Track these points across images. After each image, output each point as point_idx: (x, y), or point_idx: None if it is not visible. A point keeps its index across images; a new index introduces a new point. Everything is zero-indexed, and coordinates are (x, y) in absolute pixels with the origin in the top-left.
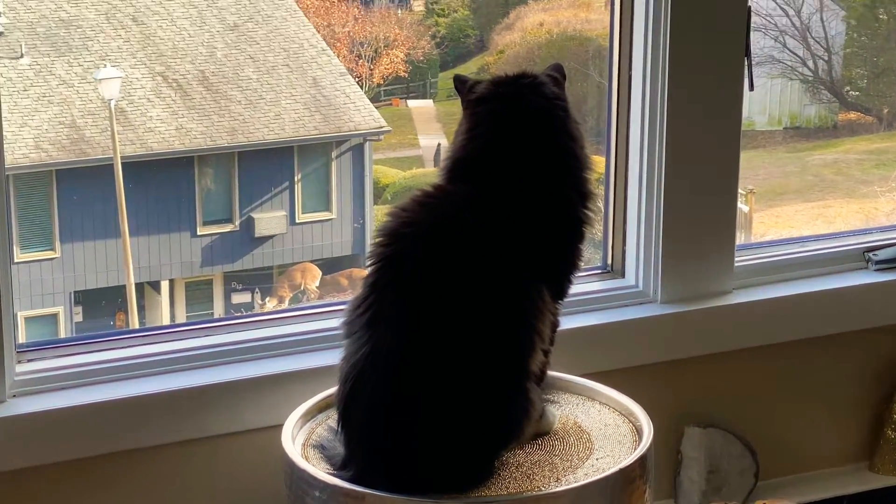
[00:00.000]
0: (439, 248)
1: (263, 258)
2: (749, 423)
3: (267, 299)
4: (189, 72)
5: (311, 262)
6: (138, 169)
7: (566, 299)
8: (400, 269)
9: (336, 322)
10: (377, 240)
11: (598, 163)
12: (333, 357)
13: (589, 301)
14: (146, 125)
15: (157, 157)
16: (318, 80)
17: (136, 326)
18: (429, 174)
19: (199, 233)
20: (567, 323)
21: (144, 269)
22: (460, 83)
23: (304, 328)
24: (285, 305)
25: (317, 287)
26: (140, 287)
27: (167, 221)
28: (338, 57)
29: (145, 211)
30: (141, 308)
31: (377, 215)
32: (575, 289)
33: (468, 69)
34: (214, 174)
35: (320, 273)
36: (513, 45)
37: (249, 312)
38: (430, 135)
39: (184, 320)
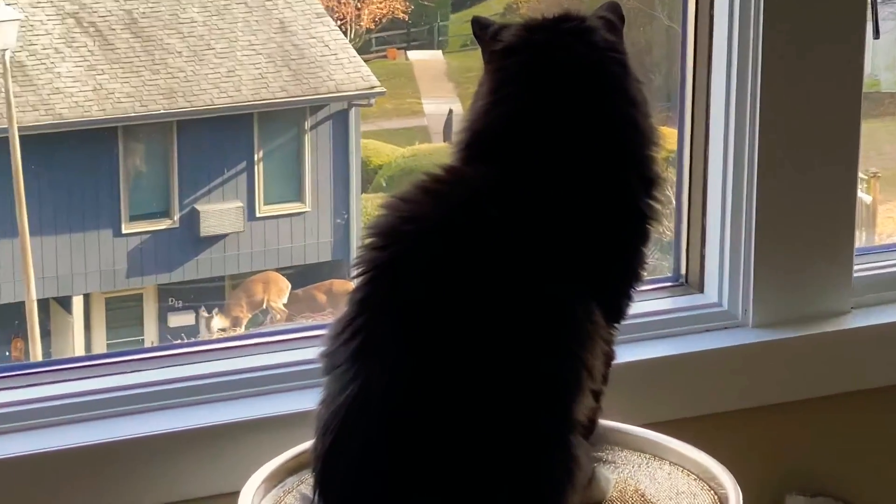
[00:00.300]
0: (452, 252)
1: (212, 266)
2: (870, 490)
3: (216, 316)
4: (111, 12)
5: (277, 270)
6: (42, 144)
7: (624, 322)
8: (399, 281)
9: (312, 352)
10: (368, 241)
11: (668, 136)
12: (309, 400)
13: (655, 324)
14: (53, 84)
15: (67, 127)
16: (286, 24)
17: (39, 358)
18: (437, 151)
19: (124, 231)
20: (625, 354)
21: (50, 280)
22: (480, 28)
23: (268, 361)
24: (241, 330)
25: (284, 305)
26: (44, 304)
27: (81, 215)
28: None
29: (51, 201)
30: (46, 333)
31: (367, 208)
32: (635, 308)
33: (490, 9)
34: (146, 151)
35: (289, 286)
36: None
37: (193, 340)
38: (438, 98)
39: (103, 350)
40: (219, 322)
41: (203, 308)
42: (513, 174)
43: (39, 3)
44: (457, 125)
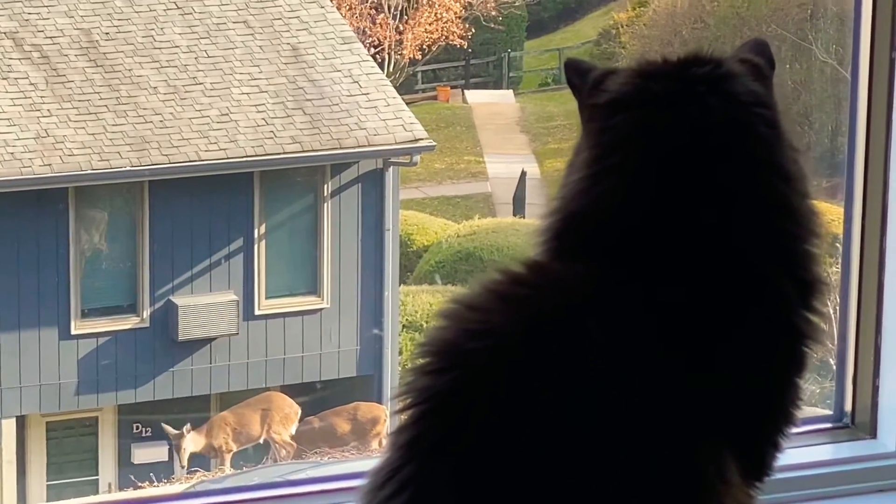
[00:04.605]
0: (536, 381)
1: (193, 382)
2: None
3: (188, 434)
4: (63, 32)
5: (283, 389)
6: None
7: (769, 479)
8: (462, 419)
9: None
10: (422, 361)
11: (830, 216)
12: None
13: (810, 481)
14: None
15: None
16: (301, 51)
17: None
18: (503, 229)
19: (74, 331)
20: None
21: None
22: (577, 74)
23: None
24: (228, 470)
25: (291, 437)
26: None
27: (16, 308)
28: (338, 9)
29: None
30: None
31: (407, 304)
32: (783, 458)
33: (581, 35)
34: (107, 222)
35: (298, 412)
36: None
37: (167, 489)
38: (506, 155)
39: (43, 500)
40: (192, 444)
41: (188, 426)
42: (620, 277)
43: None
44: (547, 206)
